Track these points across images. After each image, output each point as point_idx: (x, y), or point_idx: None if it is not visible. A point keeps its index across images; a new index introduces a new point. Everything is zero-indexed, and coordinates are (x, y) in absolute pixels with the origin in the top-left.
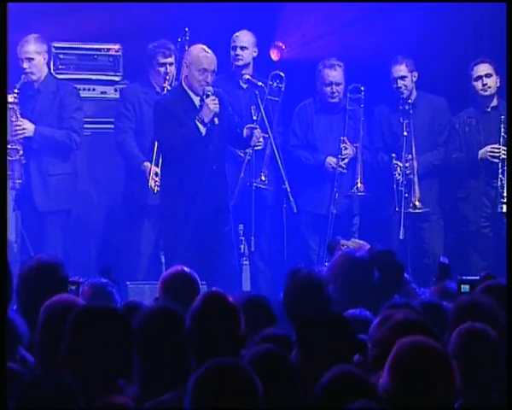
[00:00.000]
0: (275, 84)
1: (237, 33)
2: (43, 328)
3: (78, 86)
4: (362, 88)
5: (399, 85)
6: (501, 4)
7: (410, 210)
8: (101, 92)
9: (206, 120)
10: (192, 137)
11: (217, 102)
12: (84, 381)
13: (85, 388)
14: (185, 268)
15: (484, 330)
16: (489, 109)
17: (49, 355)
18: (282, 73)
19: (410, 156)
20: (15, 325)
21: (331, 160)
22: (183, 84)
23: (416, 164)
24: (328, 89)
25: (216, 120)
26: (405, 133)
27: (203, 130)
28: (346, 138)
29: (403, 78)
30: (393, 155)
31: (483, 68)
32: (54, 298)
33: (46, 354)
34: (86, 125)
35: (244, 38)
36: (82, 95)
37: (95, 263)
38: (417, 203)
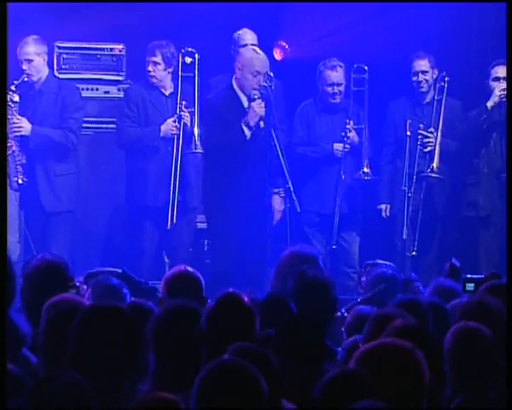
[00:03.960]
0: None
1: (240, 32)
2: (47, 328)
3: (81, 86)
4: (365, 68)
5: (420, 79)
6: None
7: (428, 173)
8: (105, 92)
9: (252, 124)
10: (237, 139)
11: (263, 105)
12: (91, 380)
13: (92, 387)
14: (188, 268)
15: (478, 329)
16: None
17: (53, 355)
18: (270, 73)
19: (433, 129)
20: (17, 325)
21: (338, 145)
22: (234, 85)
23: (439, 136)
24: (330, 89)
25: (261, 123)
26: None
27: (248, 133)
28: (351, 122)
29: (424, 72)
30: (421, 125)
31: (503, 70)
32: (56, 298)
33: (50, 354)
34: (89, 125)
35: (250, 35)
36: (85, 94)
37: (98, 263)
38: (435, 166)
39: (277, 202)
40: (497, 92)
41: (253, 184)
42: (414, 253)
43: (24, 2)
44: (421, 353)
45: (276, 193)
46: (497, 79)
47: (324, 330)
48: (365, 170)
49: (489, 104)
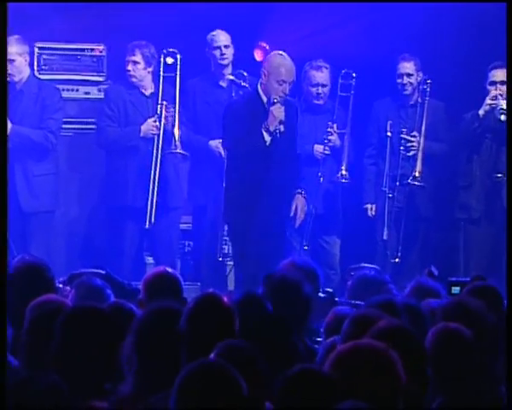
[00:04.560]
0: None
1: (214, 33)
2: (30, 328)
3: (61, 87)
4: (353, 74)
5: (405, 82)
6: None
7: (410, 181)
8: (85, 93)
9: (272, 129)
10: (257, 145)
11: (282, 109)
12: (73, 381)
13: (73, 388)
14: (168, 269)
15: (458, 329)
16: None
17: (35, 356)
18: (244, 72)
19: (416, 134)
20: None
21: (319, 147)
22: (260, 90)
23: (422, 140)
24: (314, 89)
25: (281, 127)
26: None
27: (268, 138)
28: (335, 126)
29: (409, 75)
30: (403, 129)
31: (500, 74)
32: (40, 298)
33: (32, 355)
34: (69, 126)
35: (224, 36)
36: (65, 95)
37: (78, 264)
38: (417, 174)
39: (301, 202)
40: (488, 101)
41: (271, 190)
42: (397, 259)
43: (22, 3)
44: (404, 354)
45: (299, 193)
46: (494, 83)
47: (291, 328)
48: (343, 172)
49: (480, 112)
